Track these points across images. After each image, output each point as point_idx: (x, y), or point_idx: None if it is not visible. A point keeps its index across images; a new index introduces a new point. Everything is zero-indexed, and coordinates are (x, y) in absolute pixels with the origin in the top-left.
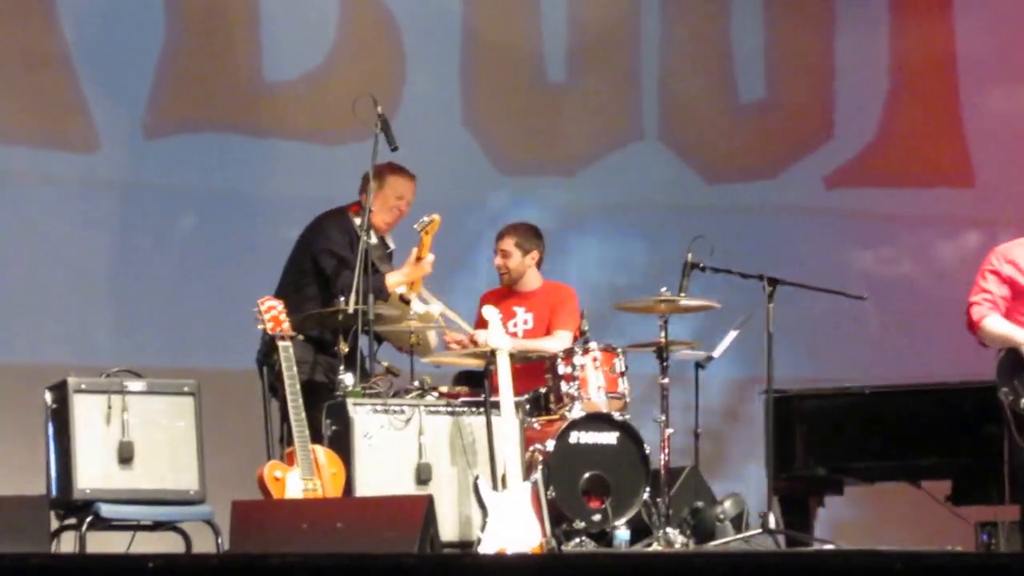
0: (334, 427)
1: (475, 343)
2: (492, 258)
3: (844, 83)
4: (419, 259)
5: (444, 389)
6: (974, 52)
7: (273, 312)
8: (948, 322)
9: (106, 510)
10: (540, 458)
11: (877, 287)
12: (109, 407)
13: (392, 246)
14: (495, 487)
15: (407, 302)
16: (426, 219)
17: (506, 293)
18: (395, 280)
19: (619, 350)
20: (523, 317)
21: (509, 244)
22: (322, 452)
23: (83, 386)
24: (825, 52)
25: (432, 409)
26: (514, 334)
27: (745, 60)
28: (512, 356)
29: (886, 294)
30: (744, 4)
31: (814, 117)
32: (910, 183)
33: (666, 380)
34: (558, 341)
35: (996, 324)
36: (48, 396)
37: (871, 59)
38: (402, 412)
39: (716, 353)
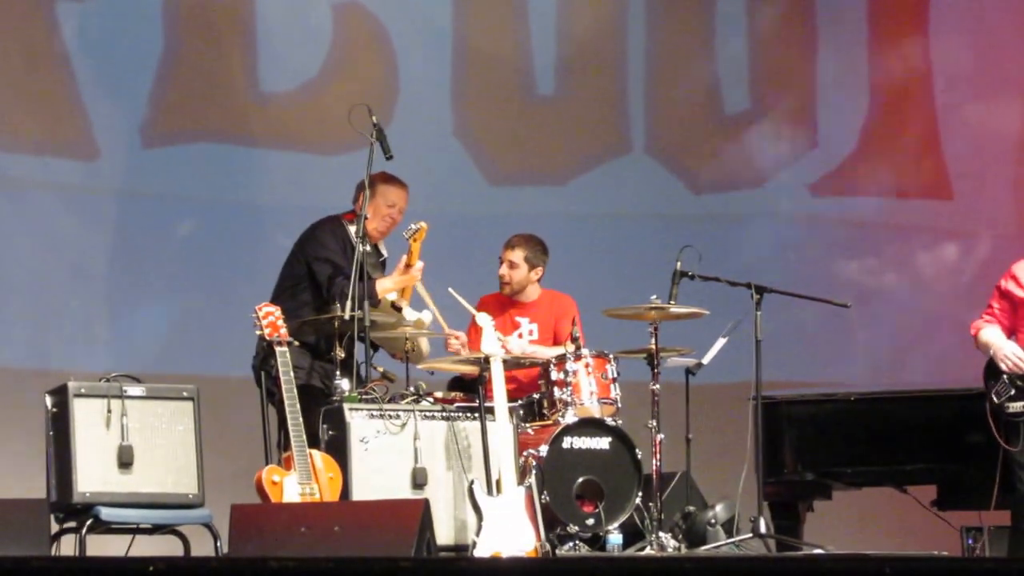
0: (331, 432)
1: (476, 325)
2: (483, 268)
3: (826, 96)
4: (408, 266)
5: (439, 395)
6: (950, 69)
7: (271, 318)
8: (929, 330)
9: (106, 513)
10: (534, 463)
11: (861, 295)
12: (109, 411)
13: (385, 254)
14: (490, 491)
15: (399, 309)
16: (414, 226)
17: (507, 302)
18: (385, 286)
19: (611, 356)
20: (528, 328)
21: (518, 256)
22: (319, 457)
23: (83, 390)
24: (807, 66)
25: (427, 414)
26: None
27: (730, 73)
28: (506, 362)
29: (870, 302)
30: (728, 19)
31: (797, 127)
32: (890, 194)
33: (657, 386)
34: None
35: (983, 334)
36: (48, 400)
37: (851, 73)
38: (398, 417)
39: (706, 360)
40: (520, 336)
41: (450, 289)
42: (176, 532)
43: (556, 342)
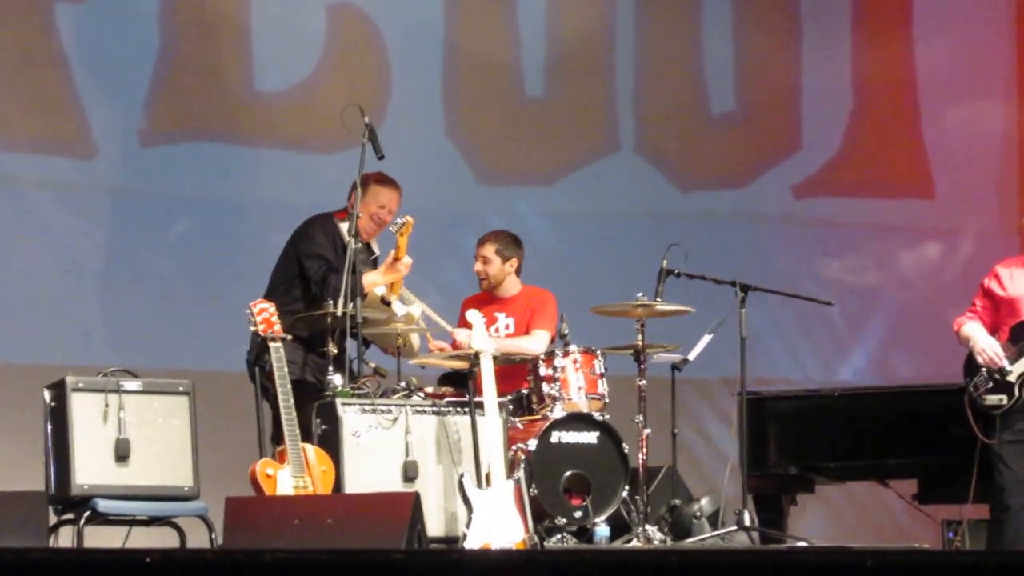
0: (324, 426)
1: (457, 346)
2: (472, 265)
3: (810, 97)
4: (396, 260)
5: (430, 390)
6: (933, 70)
7: (265, 314)
8: (911, 328)
9: (103, 505)
10: (523, 457)
11: (844, 293)
12: (106, 405)
13: (377, 252)
14: (479, 485)
15: (388, 304)
16: (399, 221)
17: (487, 299)
18: (372, 280)
19: (598, 352)
20: (504, 322)
21: (489, 251)
22: (312, 450)
23: (81, 385)
24: (792, 68)
25: (418, 409)
26: (496, 338)
27: (716, 74)
28: (495, 358)
29: (853, 300)
30: (715, 21)
31: (782, 129)
32: (874, 194)
33: (643, 382)
34: (536, 341)
35: (964, 328)
36: (47, 395)
37: (835, 75)
38: (389, 412)
39: (691, 356)
40: (497, 330)
41: (427, 310)
42: (172, 524)
43: (527, 332)
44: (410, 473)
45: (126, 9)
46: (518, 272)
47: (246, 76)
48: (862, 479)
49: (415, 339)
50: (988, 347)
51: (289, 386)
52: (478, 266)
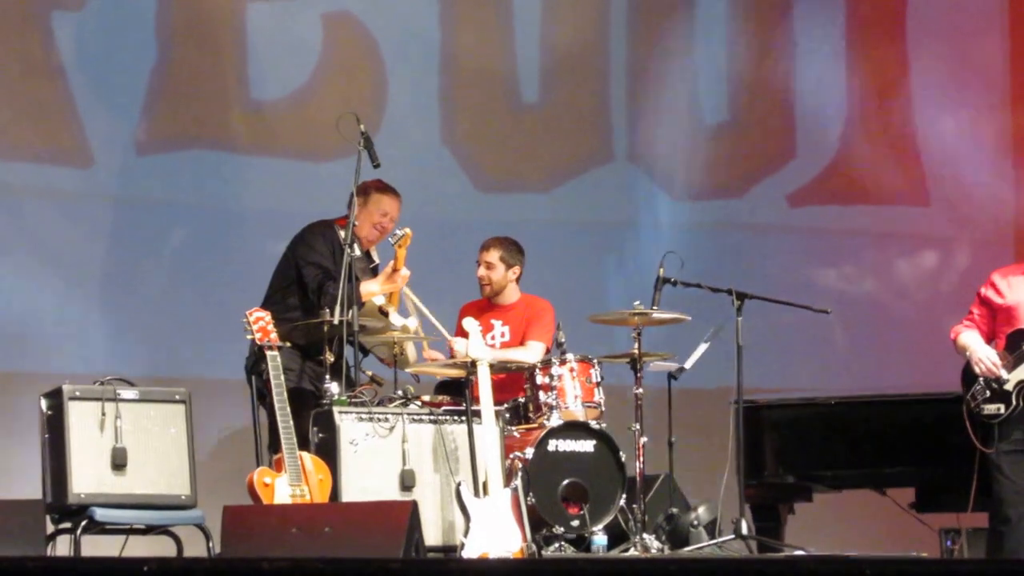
0: (321, 434)
1: (453, 354)
2: (471, 273)
3: (804, 106)
4: (395, 271)
5: (427, 398)
6: (927, 79)
7: (261, 323)
8: (907, 336)
9: (100, 514)
10: (520, 465)
11: (840, 301)
12: (103, 414)
13: (377, 260)
14: (477, 493)
15: (385, 314)
16: (399, 232)
17: (485, 306)
18: (369, 289)
19: (595, 361)
20: (500, 330)
21: (494, 257)
22: (309, 459)
23: (77, 393)
24: (786, 76)
25: (415, 417)
26: (492, 346)
27: (710, 83)
28: (492, 366)
29: (849, 308)
30: (709, 31)
31: (777, 138)
32: (869, 202)
33: (640, 390)
34: (530, 352)
35: (962, 338)
36: (43, 403)
37: (829, 83)
38: (386, 420)
39: (688, 364)
40: (493, 338)
41: (429, 316)
42: (169, 533)
43: (521, 342)
44: (407, 482)
45: (123, 18)
46: (518, 280)
47: (243, 85)
48: (860, 487)
49: (411, 351)
50: (985, 356)
51: (285, 395)
52: (481, 271)
